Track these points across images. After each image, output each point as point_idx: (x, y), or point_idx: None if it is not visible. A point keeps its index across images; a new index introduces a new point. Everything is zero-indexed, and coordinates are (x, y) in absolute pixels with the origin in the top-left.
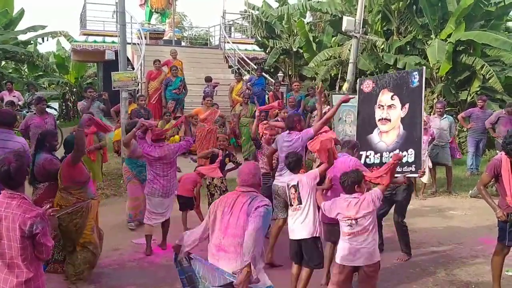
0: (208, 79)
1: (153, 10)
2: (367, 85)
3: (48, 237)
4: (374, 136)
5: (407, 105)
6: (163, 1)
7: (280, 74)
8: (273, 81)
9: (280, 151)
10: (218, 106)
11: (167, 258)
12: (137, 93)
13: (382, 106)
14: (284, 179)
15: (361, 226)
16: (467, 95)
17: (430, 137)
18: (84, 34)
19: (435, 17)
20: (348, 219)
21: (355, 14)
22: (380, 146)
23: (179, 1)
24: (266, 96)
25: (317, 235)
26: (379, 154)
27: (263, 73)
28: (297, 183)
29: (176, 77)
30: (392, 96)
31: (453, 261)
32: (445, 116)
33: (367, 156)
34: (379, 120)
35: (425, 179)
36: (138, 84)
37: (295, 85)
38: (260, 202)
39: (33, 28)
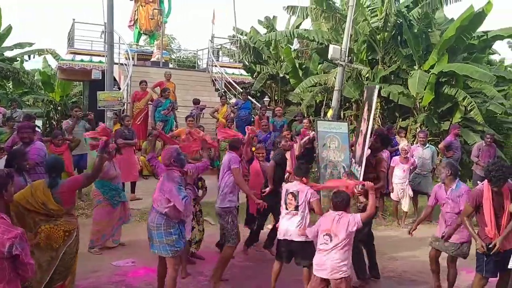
0: (196, 102)
1: (141, 32)
2: (364, 95)
3: (29, 256)
4: (357, 148)
5: (368, 121)
6: (152, 23)
7: (266, 98)
8: (259, 105)
9: None
10: (204, 128)
11: (145, 281)
12: (123, 113)
13: (364, 119)
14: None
15: (335, 242)
16: (449, 126)
17: (412, 166)
18: (71, 53)
19: (419, 48)
20: (327, 234)
21: (341, 43)
22: (356, 157)
23: (168, 24)
24: (252, 120)
25: (306, 240)
26: (356, 166)
27: (250, 97)
28: (298, 192)
29: (166, 99)
30: (367, 109)
31: None
32: (427, 145)
33: (355, 169)
34: (360, 131)
35: (406, 207)
36: (123, 104)
37: (277, 110)
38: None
39: (20, 45)
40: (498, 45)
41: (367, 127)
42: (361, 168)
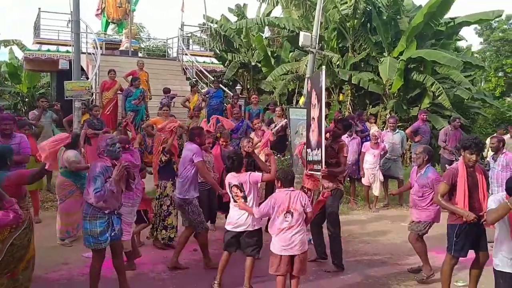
0: (167, 91)
1: (109, 20)
2: (309, 84)
3: None
4: (310, 134)
5: (318, 105)
6: (120, 12)
7: (238, 87)
8: (231, 94)
9: None
10: (175, 117)
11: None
12: (91, 103)
13: (313, 105)
14: None
15: (295, 219)
16: (418, 111)
17: (382, 151)
18: (38, 43)
19: (388, 35)
20: (287, 212)
21: (312, 30)
22: (312, 144)
23: (136, 12)
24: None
25: (257, 228)
26: (312, 152)
27: (222, 86)
28: (241, 184)
29: (137, 88)
30: (315, 95)
31: (406, 273)
32: (397, 131)
33: (308, 154)
34: (312, 118)
35: (376, 192)
36: (92, 94)
37: (253, 98)
38: None
39: None
40: (465, 31)
41: (320, 113)
42: (320, 151)
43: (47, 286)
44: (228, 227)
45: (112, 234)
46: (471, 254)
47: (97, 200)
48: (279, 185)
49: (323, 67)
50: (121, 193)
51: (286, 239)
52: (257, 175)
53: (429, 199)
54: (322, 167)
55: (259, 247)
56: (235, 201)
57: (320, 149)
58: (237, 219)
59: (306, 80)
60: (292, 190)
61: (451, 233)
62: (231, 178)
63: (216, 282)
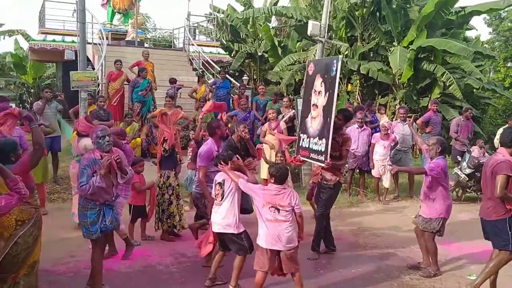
0: (173, 81)
1: (115, 11)
2: (310, 68)
3: None
4: (308, 120)
5: (327, 94)
6: (126, 1)
7: (245, 77)
8: (238, 84)
9: None
10: (182, 108)
11: (124, 264)
12: (98, 94)
13: (316, 91)
14: None
15: (282, 215)
16: (428, 102)
17: (392, 142)
18: (43, 33)
19: (397, 24)
20: (272, 206)
21: (320, 20)
22: (310, 131)
23: (142, 2)
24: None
25: (241, 230)
26: (309, 139)
27: (228, 76)
28: (223, 181)
29: (144, 79)
30: (321, 82)
31: (418, 266)
32: (407, 121)
33: (302, 139)
34: (312, 105)
35: (386, 183)
36: (98, 85)
37: (260, 89)
38: None
39: None
40: (473, 21)
41: (328, 102)
42: (325, 143)
43: (54, 279)
44: (213, 229)
45: (102, 225)
46: (486, 246)
47: (81, 193)
48: (272, 180)
49: (340, 56)
50: (112, 186)
51: (271, 231)
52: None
53: (437, 190)
54: (327, 159)
55: (248, 246)
56: (216, 199)
57: (324, 139)
58: (215, 220)
59: (307, 62)
60: (283, 188)
61: (504, 228)
62: (218, 175)
63: (209, 277)
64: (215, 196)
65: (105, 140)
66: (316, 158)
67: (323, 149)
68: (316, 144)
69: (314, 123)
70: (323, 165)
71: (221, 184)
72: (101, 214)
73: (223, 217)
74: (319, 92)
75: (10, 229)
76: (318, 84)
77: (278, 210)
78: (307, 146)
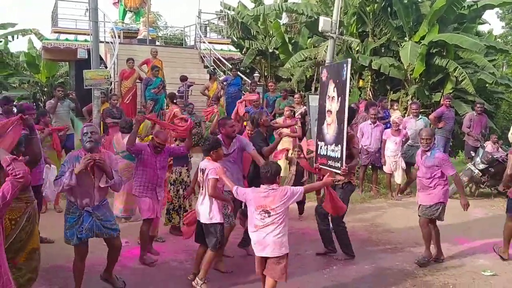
0: (184, 78)
1: (127, 9)
2: (324, 74)
3: None
4: (324, 127)
5: (339, 99)
6: (137, 0)
7: (256, 74)
8: (249, 81)
9: None
10: (194, 106)
11: (139, 261)
12: (110, 92)
13: (329, 97)
14: None
15: (272, 218)
16: (441, 97)
17: (404, 138)
18: (56, 32)
19: (409, 19)
20: (263, 210)
21: (331, 16)
22: (327, 138)
23: (153, 1)
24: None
25: (214, 222)
26: (326, 146)
27: (240, 73)
28: (204, 170)
29: (156, 77)
30: (334, 87)
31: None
32: (420, 117)
33: (320, 147)
34: (327, 111)
35: (398, 179)
36: (111, 83)
37: (270, 86)
38: None
39: (2, 26)
40: (486, 15)
41: (341, 107)
42: (340, 148)
43: (68, 275)
44: (198, 218)
45: (78, 232)
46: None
47: (54, 188)
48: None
49: (349, 59)
50: (93, 189)
51: (258, 239)
52: (213, 174)
53: (438, 178)
54: (342, 165)
55: (220, 242)
56: (201, 188)
57: (340, 145)
58: (197, 210)
59: (320, 68)
60: (273, 189)
61: None
62: (202, 162)
63: (192, 273)
64: (200, 183)
65: (86, 136)
66: (333, 165)
67: (338, 156)
68: (333, 151)
69: (329, 129)
70: (339, 172)
71: (203, 171)
72: (80, 220)
73: (200, 204)
74: (332, 98)
75: (7, 230)
76: (331, 89)
77: (269, 213)
78: (325, 153)
